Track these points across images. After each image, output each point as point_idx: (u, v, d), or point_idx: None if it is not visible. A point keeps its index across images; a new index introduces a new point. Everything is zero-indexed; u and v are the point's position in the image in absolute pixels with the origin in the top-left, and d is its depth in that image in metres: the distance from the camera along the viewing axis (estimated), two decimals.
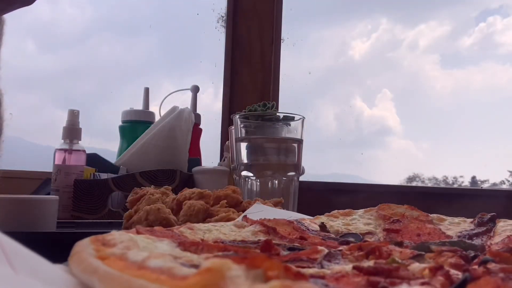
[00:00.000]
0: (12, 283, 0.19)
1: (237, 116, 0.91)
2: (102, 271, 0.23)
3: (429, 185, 1.78)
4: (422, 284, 0.23)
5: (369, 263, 0.29)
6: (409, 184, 1.81)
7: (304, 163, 1.23)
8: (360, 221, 0.48)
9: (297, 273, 0.21)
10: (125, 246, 0.26)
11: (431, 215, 0.49)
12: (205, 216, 0.58)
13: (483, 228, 0.44)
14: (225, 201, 0.60)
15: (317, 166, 1.56)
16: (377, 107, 1.91)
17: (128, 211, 0.60)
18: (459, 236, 0.43)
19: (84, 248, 0.27)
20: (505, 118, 1.81)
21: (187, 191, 0.61)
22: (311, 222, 0.46)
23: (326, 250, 0.31)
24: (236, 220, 0.46)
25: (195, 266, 0.25)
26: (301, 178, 1.25)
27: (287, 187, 0.87)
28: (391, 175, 1.92)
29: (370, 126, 1.92)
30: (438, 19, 1.93)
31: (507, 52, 1.93)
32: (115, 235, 0.29)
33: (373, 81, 1.95)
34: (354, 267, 0.26)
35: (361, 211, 0.51)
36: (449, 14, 1.96)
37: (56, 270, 0.24)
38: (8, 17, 1.56)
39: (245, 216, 0.45)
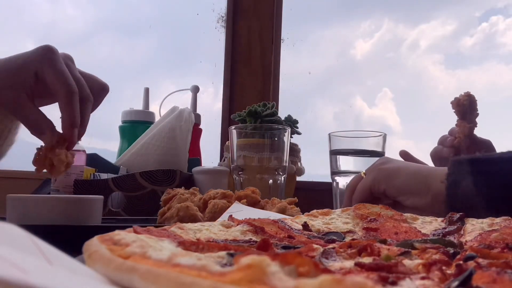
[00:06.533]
0: (51, 274, 0.20)
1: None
2: (144, 269, 0.23)
3: None
4: (423, 278, 0.23)
5: (364, 260, 0.30)
6: None
7: (304, 163, 1.23)
8: (338, 220, 0.50)
9: (325, 269, 0.22)
10: (140, 245, 0.26)
11: (405, 214, 0.52)
12: None
13: (454, 227, 0.47)
14: (245, 200, 0.68)
15: (317, 166, 1.56)
16: (377, 106, 1.91)
17: (162, 209, 0.69)
18: (433, 234, 0.45)
19: (98, 247, 0.27)
20: (507, 118, 1.82)
21: (212, 192, 0.70)
22: (293, 222, 0.48)
23: (322, 248, 0.32)
24: (223, 219, 0.47)
25: (224, 264, 0.26)
26: (301, 178, 1.25)
27: None
28: None
29: (370, 126, 1.92)
30: (441, 18, 1.93)
31: (509, 52, 1.93)
32: (122, 234, 0.29)
33: (374, 81, 1.95)
34: (356, 264, 0.26)
35: (338, 211, 0.53)
36: (453, 13, 1.96)
37: (78, 264, 0.24)
38: (9, 17, 1.56)
39: (230, 215, 0.46)
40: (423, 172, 0.73)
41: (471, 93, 1.03)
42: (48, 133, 0.59)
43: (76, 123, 0.59)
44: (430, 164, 1.08)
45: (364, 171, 0.80)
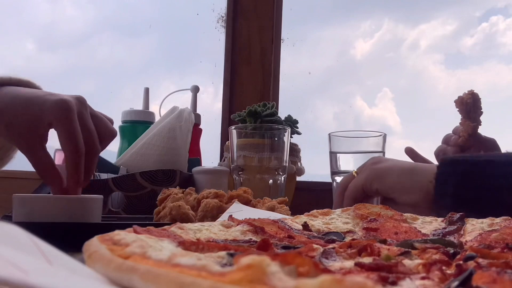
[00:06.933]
0: (51, 274, 0.20)
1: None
2: (144, 269, 0.23)
3: None
4: (423, 278, 0.23)
5: (364, 260, 0.30)
6: None
7: (304, 163, 1.23)
8: (338, 220, 0.50)
9: (324, 269, 0.22)
10: (140, 245, 0.26)
11: (405, 214, 0.52)
12: (218, 212, 0.67)
13: (454, 227, 0.47)
14: (237, 199, 0.69)
15: (316, 166, 1.56)
16: (377, 107, 1.91)
17: (157, 208, 0.72)
18: (433, 234, 0.45)
19: (98, 247, 0.27)
20: (507, 118, 1.82)
21: (205, 191, 0.73)
22: (293, 222, 0.48)
23: (322, 248, 0.32)
24: (223, 219, 0.47)
25: (224, 264, 0.26)
26: (301, 178, 1.25)
27: None
28: None
29: (370, 126, 1.91)
30: (441, 18, 1.93)
31: (509, 52, 1.93)
32: (122, 234, 0.29)
33: (374, 81, 1.95)
34: (356, 264, 0.26)
35: (338, 211, 0.53)
36: (453, 13, 1.96)
37: (78, 264, 0.25)
38: (8, 17, 1.56)
39: (230, 215, 0.46)
40: (414, 171, 0.75)
41: (474, 91, 1.02)
42: (55, 185, 0.63)
43: (81, 182, 0.63)
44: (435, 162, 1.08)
45: (355, 170, 0.81)
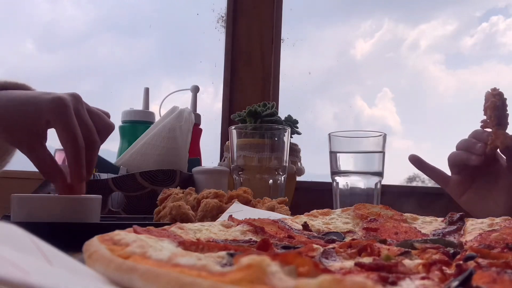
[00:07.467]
0: (51, 274, 0.20)
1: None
2: (143, 269, 0.23)
3: (429, 185, 1.78)
4: (423, 278, 0.23)
5: (364, 260, 0.30)
6: (409, 184, 1.82)
7: (304, 163, 1.23)
8: (338, 220, 0.50)
9: (324, 269, 0.22)
10: (140, 245, 0.26)
11: (405, 214, 0.52)
12: (218, 212, 0.67)
13: (454, 227, 0.47)
14: (237, 199, 0.69)
15: (316, 166, 1.56)
16: (377, 106, 1.91)
17: (158, 208, 0.73)
18: (433, 234, 0.45)
19: (98, 247, 0.27)
20: (508, 118, 1.81)
21: (205, 191, 0.73)
22: (293, 222, 0.48)
23: (322, 248, 0.32)
24: (223, 219, 0.47)
25: (224, 264, 0.26)
26: (301, 178, 1.25)
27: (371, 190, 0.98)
28: (391, 175, 1.92)
29: (370, 126, 1.92)
30: (442, 18, 1.93)
31: (509, 52, 1.93)
32: (122, 234, 0.29)
33: (374, 81, 1.96)
34: (356, 264, 0.26)
35: (338, 211, 0.53)
36: (453, 13, 1.96)
37: (78, 264, 0.25)
38: (8, 17, 1.56)
39: (230, 215, 0.46)
40: None
41: (499, 89, 0.84)
42: (59, 182, 0.63)
43: (84, 177, 0.62)
44: (446, 169, 0.94)
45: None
